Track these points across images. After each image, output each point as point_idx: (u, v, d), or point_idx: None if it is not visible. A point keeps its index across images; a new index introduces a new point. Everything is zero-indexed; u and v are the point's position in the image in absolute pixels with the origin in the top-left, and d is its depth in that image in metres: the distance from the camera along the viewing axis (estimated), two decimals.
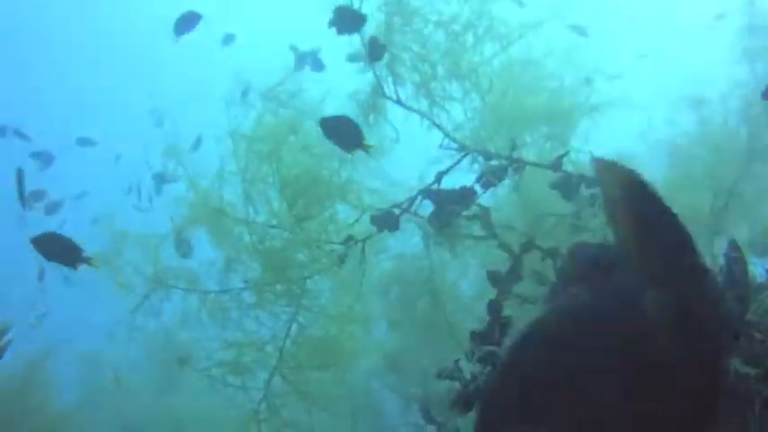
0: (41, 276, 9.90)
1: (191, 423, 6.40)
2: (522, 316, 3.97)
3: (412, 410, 5.80)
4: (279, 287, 5.09)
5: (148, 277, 5.12)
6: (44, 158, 11.42)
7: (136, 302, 5.13)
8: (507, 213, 5.20)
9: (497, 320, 3.80)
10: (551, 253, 4.44)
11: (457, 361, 3.61)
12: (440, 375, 3.65)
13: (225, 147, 5.09)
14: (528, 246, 4.58)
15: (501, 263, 4.44)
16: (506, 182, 5.13)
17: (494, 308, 3.87)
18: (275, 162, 4.99)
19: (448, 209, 4.97)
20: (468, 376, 3.49)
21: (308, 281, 5.09)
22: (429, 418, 4.73)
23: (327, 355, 5.12)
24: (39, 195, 10.58)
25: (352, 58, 6.10)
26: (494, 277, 4.48)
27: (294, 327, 5.13)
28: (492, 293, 4.11)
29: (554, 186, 4.88)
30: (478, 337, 3.67)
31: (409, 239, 5.48)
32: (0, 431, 5.37)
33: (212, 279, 5.17)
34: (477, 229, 5.00)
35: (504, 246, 4.79)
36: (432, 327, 5.48)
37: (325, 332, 5.11)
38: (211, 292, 5.14)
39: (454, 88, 5.13)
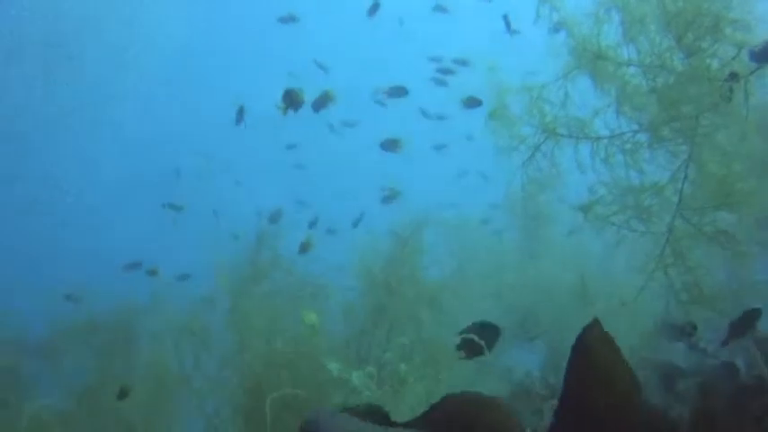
0: None
1: None
2: None
3: None
4: (673, 125, 4.93)
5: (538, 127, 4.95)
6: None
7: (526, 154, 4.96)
8: None
9: None
10: None
11: None
12: None
13: None
14: None
15: None
16: None
17: None
18: None
19: None
20: None
21: (699, 118, 4.94)
22: None
23: (728, 194, 4.93)
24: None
25: None
26: None
27: (692, 166, 4.95)
28: None
29: None
30: None
31: None
32: None
33: (600, 126, 5.01)
34: None
35: None
36: None
37: (725, 169, 4.93)
38: (604, 138, 4.97)
39: None
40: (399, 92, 10.02)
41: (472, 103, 6.99)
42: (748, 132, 5.02)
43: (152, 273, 9.44)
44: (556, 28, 5.01)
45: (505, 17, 9.31)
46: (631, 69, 5.01)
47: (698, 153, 4.97)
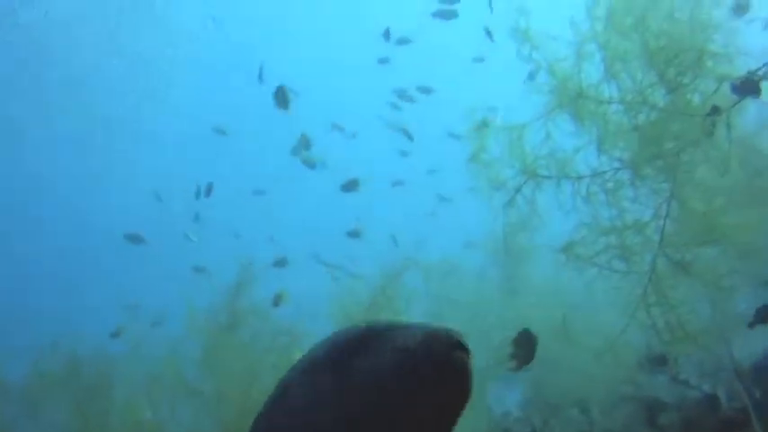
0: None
1: None
2: None
3: None
4: (655, 163, 4.89)
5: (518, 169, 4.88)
6: None
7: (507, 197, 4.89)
8: None
9: None
10: None
11: None
12: None
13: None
14: None
15: None
16: None
17: None
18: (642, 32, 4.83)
19: None
20: None
21: (681, 154, 4.90)
22: None
23: (711, 229, 4.91)
24: None
25: None
26: None
27: (674, 203, 4.91)
28: None
29: None
30: None
31: None
32: None
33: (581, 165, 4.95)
34: None
35: None
36: None
37: (707, 205, 4.90)
38: (585, 177, 4.91)
39: None
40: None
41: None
42: (730, 166, 4.99)
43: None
44: (531, 75, 4.96)
45: (487, 31, 9.19)
46: (613, 107, 4.94)
47: (680, 190, 4.94)
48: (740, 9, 5.20)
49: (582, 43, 4.93)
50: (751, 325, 4.74)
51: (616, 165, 4.94)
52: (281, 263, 9.16)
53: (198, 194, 9.93)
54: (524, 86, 5.08)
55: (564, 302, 5.61)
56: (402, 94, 12.59)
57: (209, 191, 9.74)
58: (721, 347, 5.41)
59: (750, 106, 5.18)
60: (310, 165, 10.31)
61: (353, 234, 10.38)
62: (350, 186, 9.35)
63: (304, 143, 7.36)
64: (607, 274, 4.91)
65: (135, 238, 12.21)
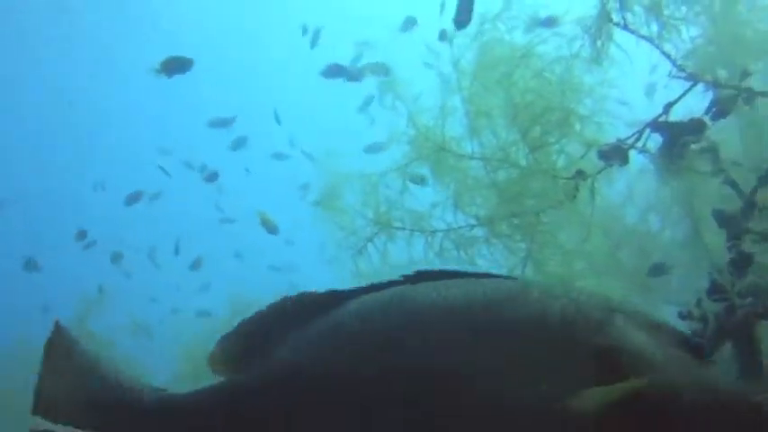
0: None
1: None
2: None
3: None
4: (512, 221, 4.79)
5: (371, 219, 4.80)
6: None
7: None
8: (734, 148, 4.97)
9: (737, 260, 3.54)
10: None
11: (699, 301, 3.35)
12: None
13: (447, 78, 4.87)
14: (765, 180, 4.30)
15: None
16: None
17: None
18: (508, 88, 4.77)
19: (681, 141, 4.71)
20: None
21: (541, 215, 4.79)
22: None
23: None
24: None
25: None
26: (720, 217, 4.23)
27: (530, 264, 4.79)
28: None
29: None
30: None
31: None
32: None
33: (437, 219, 4.86)
34: (702, 164, 4.74)
35: (731, 182, 4.55)
36: None
37: (565, 269, 4.78)
38: (439, 231, 4.81)
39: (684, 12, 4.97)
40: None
41: None
42: (592, 233, 4.87)
43: None
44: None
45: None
46: (473, 163, 4.86)
47: (537, 251, 4.82)
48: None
49: (447, 96, 4.88)
50: None
51: (472, 221, 4.84)
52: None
53: None
54: (386, 135, 5.02)
55: None
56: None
57: None
58: None
59: (619, 177, 5.12)
60: None
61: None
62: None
63: None
64: None
65: None
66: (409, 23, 10.08)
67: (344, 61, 8.90)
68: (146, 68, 7.68)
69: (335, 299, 1.96)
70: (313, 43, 12.01)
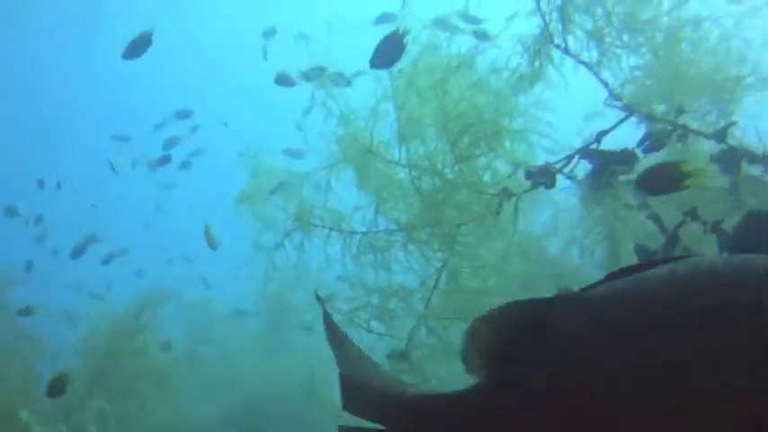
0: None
1: None
2: None
3: None
4: (433, 230, 4.78)
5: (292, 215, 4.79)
6: None
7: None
8: None
9: None
10: (715, 227, 4.17)
11: None
12: None
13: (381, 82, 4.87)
14: (691, 215, 4.32)
15: None
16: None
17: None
18: (441, 96, 4.77)
19: (609, 170, 4.72)
20: None
21: (461, 228, 4.79)
22: None
23: (477, 308, 4.76)
24: None
25: None
26: (642, 252, 4.25)
27: (444, 275, 4.79)
28: None
29: (715, 159, 4.63)
30: None
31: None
32: None
33: (357, 221, 4.85)
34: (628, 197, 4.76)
35: (654, 217, 4.58)
36: None
37: (481, 283, 4.78)
38: (358, 233, 4.80)
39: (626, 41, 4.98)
40: None
41: None
42: (511, 254, 4.87)
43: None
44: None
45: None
46: (399, 168, 4.86)
47: (454, 263, 4.82)
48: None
49: (379, 99, 4.88)
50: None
51: (393, 226, 4.83)
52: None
53: None
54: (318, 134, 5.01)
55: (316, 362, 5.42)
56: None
57: None
58: None
59: (545, 208, 5.14)
60: None
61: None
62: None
63: None
64: (363, 333, 4.76)
65: None
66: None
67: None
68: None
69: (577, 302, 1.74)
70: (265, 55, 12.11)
